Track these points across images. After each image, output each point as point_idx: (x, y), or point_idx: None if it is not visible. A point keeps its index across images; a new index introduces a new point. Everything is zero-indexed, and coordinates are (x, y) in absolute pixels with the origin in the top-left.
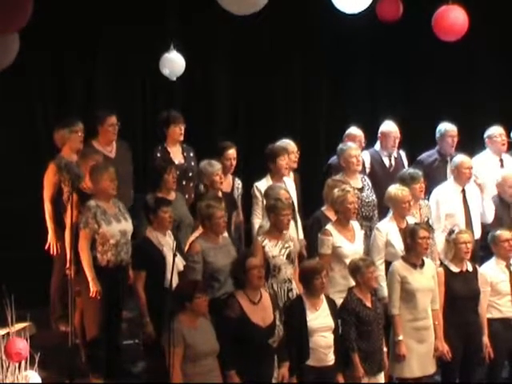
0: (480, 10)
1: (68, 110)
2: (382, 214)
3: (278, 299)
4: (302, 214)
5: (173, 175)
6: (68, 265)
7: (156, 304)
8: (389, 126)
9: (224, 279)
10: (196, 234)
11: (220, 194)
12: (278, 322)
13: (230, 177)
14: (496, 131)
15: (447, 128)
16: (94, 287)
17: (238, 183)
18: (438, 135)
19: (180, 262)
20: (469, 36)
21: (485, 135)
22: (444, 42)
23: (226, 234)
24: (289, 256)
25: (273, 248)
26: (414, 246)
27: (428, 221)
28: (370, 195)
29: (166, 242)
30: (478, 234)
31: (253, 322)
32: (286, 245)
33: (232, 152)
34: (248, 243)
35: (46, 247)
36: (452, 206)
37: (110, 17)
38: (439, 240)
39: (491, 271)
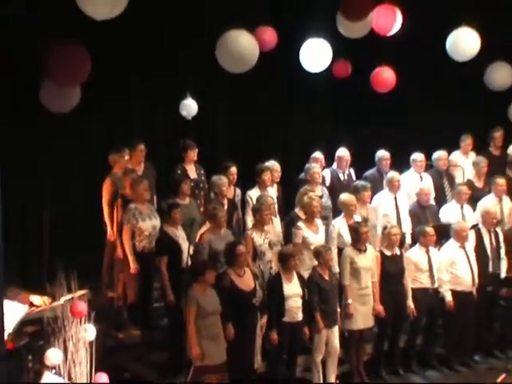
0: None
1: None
2: (337, 215)
3: (264, 275)
4: (283, 215)
5: (187, 185)
6: (117, 250)
7: (176, 279)
8: (342, 152)
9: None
10: (204, 228)
11: (226, 200)
12: (258, 288)
13: (232, 187)
14: (418, 157)
15: (382, 154)
16: (133, 265)
17: (239, 192)
18: (376, 159)
19: (191, 249)
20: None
21: (411, 158)
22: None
23: (226, 230)
24: (269, 244)
25: (259, 239)
26: (358, 238)
27: (366, 219)
28: (327, 201)
29: (180, 234)
30: (405, 227)
31: (241, 288)
32: (267, 236)
33: (234, 169)
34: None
35: (108, 237)
36: (387, 209)
37: (137, 72)
38: (378, 233)
39: (415, 255)
